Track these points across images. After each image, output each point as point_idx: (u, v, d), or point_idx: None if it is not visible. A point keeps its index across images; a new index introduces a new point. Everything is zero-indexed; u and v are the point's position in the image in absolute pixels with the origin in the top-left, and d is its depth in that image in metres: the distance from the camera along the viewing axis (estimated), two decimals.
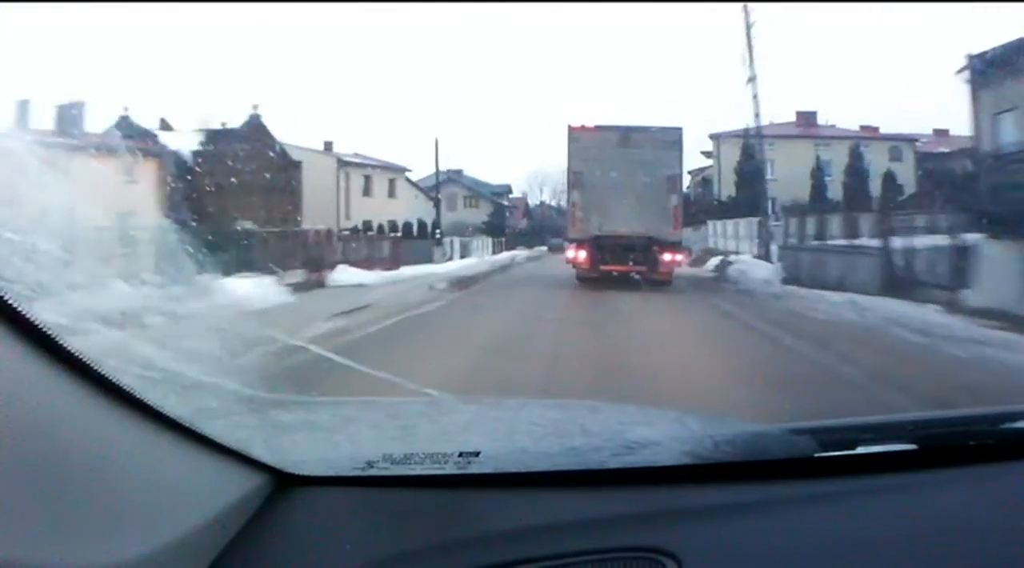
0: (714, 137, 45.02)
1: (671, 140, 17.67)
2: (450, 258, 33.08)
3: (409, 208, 42.47)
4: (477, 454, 1.19)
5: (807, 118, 47.08)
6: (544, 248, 55.03)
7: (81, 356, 0.78)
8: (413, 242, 32.21)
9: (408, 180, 46.53)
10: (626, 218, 16.84)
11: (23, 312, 0.73)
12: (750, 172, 37.01)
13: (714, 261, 26.66)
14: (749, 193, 34.77)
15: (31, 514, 0.67)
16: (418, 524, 1.06)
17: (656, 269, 16.94)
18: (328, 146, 42.28)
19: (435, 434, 1.65)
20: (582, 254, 17.18)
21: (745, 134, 36.08)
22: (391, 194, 43.39)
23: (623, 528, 1.04)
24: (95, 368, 0.80)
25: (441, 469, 1.16)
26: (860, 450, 1.20)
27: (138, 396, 0.86)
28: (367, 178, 41.92)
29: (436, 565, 0.97)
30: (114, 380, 0.82)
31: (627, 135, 17.42)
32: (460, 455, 1.18)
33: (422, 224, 38.70)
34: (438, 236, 36.05)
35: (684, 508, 1.10)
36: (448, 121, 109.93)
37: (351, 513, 1.10)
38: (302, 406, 1.82)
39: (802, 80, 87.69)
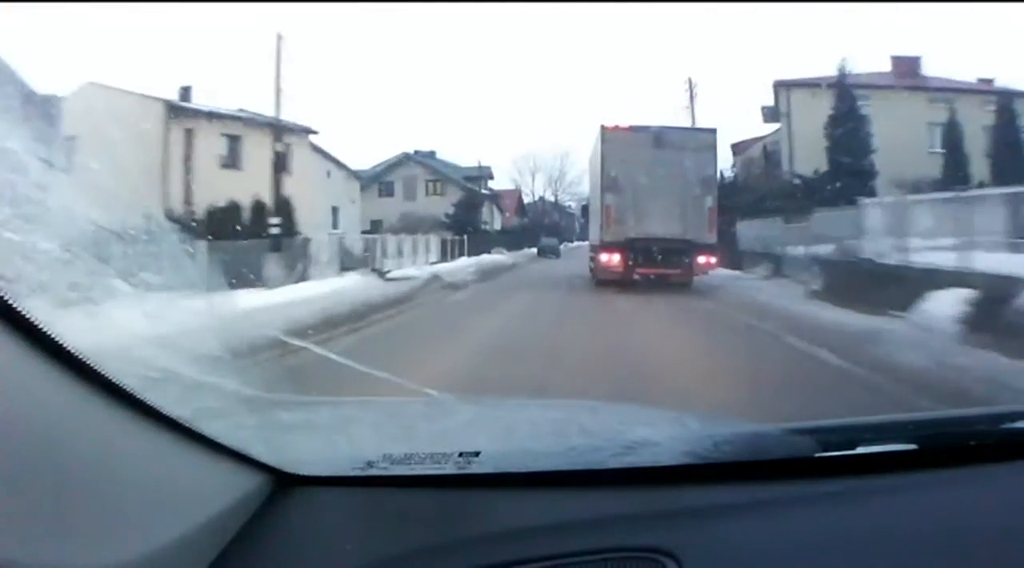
0: (781, 86, 30.86)
1: (705, 141, 17.69)
2: (302, 277, 17.10)
3: (317, 189, 27.01)
4: (477, 454, 1.19)
5: (908, 65, 31.50)
6: (533, 251, 43.86)
7: (81, 356, 0.79)
8: (248, 247, 16.77)
9: (319, 149, 28.39)
10: (661, 221, 16.69)
11: (23, 312, 0.74)
12: (850, 134, 25.33)
13: (948, 302, 9.56)
14: (851, 165, 24.29)
15: (31, 514, 0.68)
16: (418, 524, 1.07)
17: (691, 273, 16.76)
18: (185, 94, 25.38)
19: (435, 434, 1.65)
20: (615, 258, 16.95)
21: (840, 77, 25.32)
22: (282, 168, 23.58)
23: (623, 528, 1.04)
24: (95, 368, 0.81)
25: (441, 469, 1.17)
26: (860, 450, 1.20)
27: (138, 396, 0.86)
28: (232, 141, 24.90)
29: (436, 565, 0.98)
30: (114, 380, 0.83)
31: (661, 136, 17.34)
32: (460, 455, 1.18)
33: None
34: (274, 230, 19.27)
35: (684, 508, 1.10)
36: (422, 94, 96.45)
37: (351, 513, 1.11)
38: (302, 406, 1.85)
39: (896, 18, 68.44)
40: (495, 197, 54.74)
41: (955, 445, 1.26)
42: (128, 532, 0.79)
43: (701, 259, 16.85)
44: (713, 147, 17.87)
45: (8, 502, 0.67)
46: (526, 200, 64.76)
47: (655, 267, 16.78)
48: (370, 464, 1.17)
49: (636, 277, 16.79)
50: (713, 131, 18.37)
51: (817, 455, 1.18)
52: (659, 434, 1.41)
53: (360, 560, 0.98)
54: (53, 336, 0.76)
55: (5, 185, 1.24)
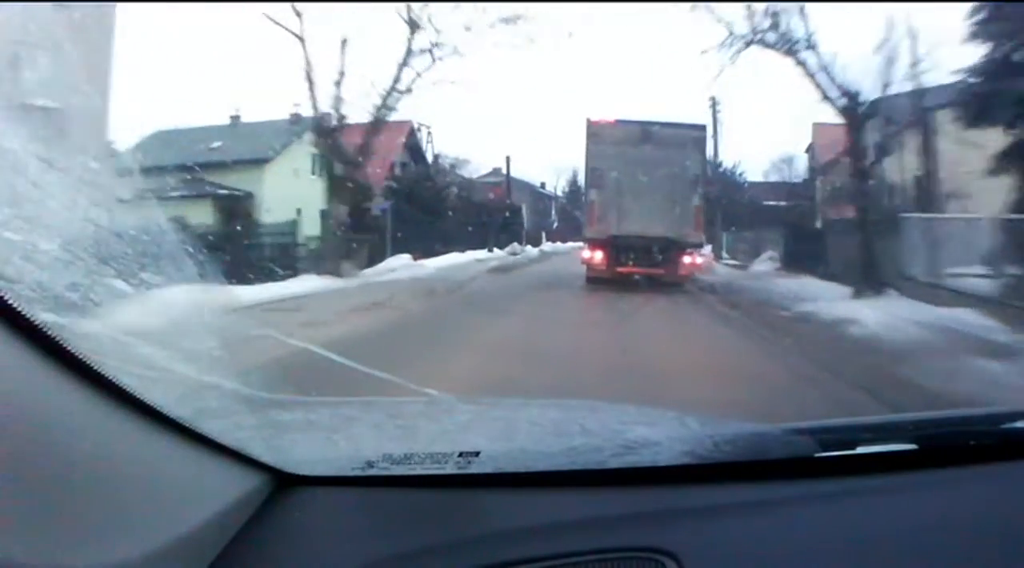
0: None
1: (694, 137, 17.35)
2: None
3: None
4: (477, 454, 1.19)
5: None
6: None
7: (81, 356, 0.79)
8: None
9: None
10: (646, 218, 16.40)
11: (23, 312, 0.74)
12: None
13: None
14: None
15: (32, 514, 0.68)
16: (418, 524, 1.07)
17: (676, 272, 16.48)
18: None
19: (435, 434, 1.65)
20: (598, 255, 16.72)
21: None
22: None
23: (623, 528, 1.04)
24: (95, 368, 0.80)
25: (441, 469, 1.16)
26: (860, 450, 1.20)
27: (138, 396, 0.86)
28: None
29: (436, 565, 0.98)
30: (114, 380, 0.83)
31: (649, 131, 17.03)
32: (460, 455, 1.18)
33: None
34: None
35: (684, 508, 1.10)
36: None
37: (351, 513, 1.11)
38: (302, 406, 1.83)
39: None
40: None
41: (955, 445, 1.26)
42: (128, 532, 0.78)
43: (687, 259, 16.65)
44: (702, 143, 17.62)
45: (8, 502, 0.66)
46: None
47: (638, 266, 16.57)
48: (370, 464, 1.17)
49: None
50: (702, 127, 18.09)
51: (817, 455, 1.18)
52: (659, 434, 1.41)
53: (360, 560, 0.97)
54: (53, 336, 0.76)
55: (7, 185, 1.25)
